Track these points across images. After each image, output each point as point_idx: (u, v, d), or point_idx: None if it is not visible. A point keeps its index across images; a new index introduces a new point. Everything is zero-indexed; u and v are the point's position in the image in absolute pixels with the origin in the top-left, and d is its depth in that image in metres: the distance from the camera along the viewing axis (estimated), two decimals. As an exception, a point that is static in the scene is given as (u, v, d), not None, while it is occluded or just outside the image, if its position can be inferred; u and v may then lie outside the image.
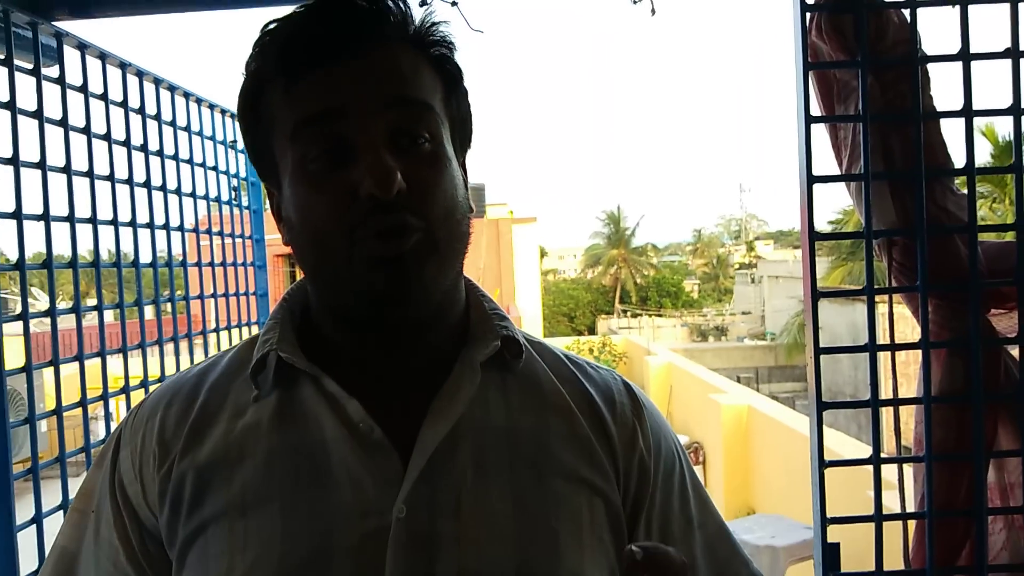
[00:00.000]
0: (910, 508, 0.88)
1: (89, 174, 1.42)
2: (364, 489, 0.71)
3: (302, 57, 0.71)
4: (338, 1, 0.72)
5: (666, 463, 0.80)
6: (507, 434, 0.75)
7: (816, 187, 0.89)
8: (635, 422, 0.80)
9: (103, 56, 1.47)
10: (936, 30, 0.93)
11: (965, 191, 0.88)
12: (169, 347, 1.72)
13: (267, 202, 0.81)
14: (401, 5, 0.74)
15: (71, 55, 1.41)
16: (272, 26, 0.74)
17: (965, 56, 0.83)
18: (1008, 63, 0.83)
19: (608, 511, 0.76)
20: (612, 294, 39.59)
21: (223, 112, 1.99)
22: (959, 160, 0.88)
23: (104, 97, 1.49)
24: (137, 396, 1.57)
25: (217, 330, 1.96)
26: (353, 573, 0.69)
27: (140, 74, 1.60)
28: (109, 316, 1.53)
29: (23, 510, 1.31)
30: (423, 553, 0.69)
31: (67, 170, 1.37)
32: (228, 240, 2.04)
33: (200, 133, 1.87)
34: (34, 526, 1.32)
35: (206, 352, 1.85)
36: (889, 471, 0.87)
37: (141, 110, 1.60)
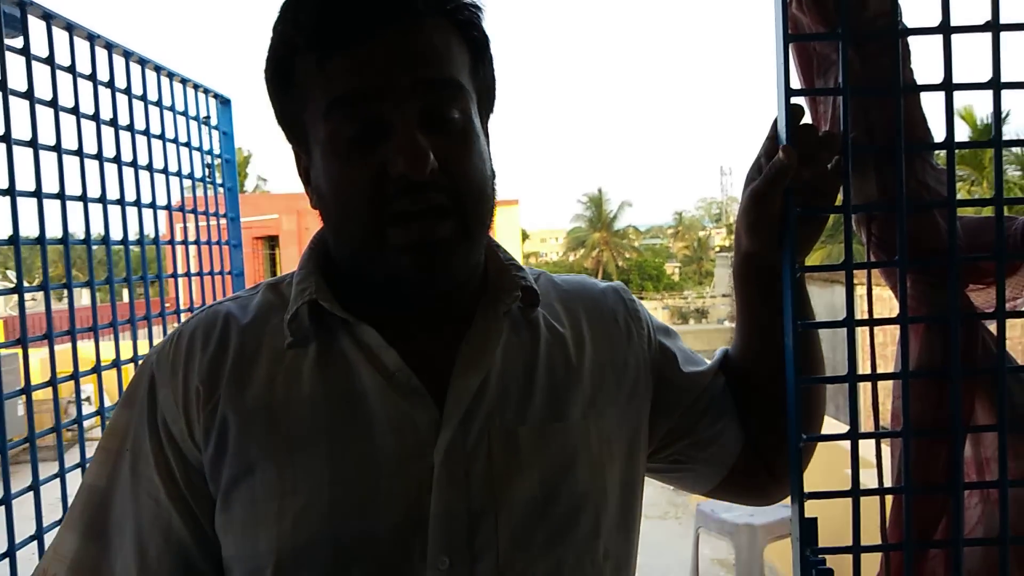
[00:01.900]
0: (887, 484, 0.87)
1: (56, 148, 1.38)
2: (405, 435, 0.75)
3: (336, 33, 0.72)
4: None
5: (653, 329, 0.95)
6: (526, 374, 0.82)
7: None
8: (630, 325, 0.92)
9: (70, 27, 1.43)
10: (917, 2, 0.92)
11: (944, 166, 0.88)
12: (143, 329, 1.69)
13: (295, 163, 0.85)
14: None
15: (36, 26, 1.37)
16: None
17: (946, 29, 0.82)
18: (988, 36, 0.82)
19: (618, 423, 0.85)
20: (594, 277, 39.68)
21: (196, 87, 1.95)
22: (939, 136, 0.87)
23: (72, 70, 1.45)
24: (109, 377, 1.54)
25: (192, 310, 1.93)
26: (401, 515, 0.74)
27: (109, 47, 1.56)
28: (85, 298, 1.50)
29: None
30: (461, 492, 0.75)
31: (33, 144, 1.34)
32: (202, 219, 2.01)
33: (172, 108, 1.83)
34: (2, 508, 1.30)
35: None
36: (867, 449, 0.87)
37: (110, 83, 1.56)
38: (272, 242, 18.74)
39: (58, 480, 1.41)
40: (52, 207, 1.38)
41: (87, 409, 1.53)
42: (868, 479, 0.81)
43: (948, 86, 0.81)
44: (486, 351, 0.80)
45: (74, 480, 1.43)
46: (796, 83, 0.89)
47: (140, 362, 0.85)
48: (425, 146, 0.71)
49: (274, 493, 0.74)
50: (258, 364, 0.79)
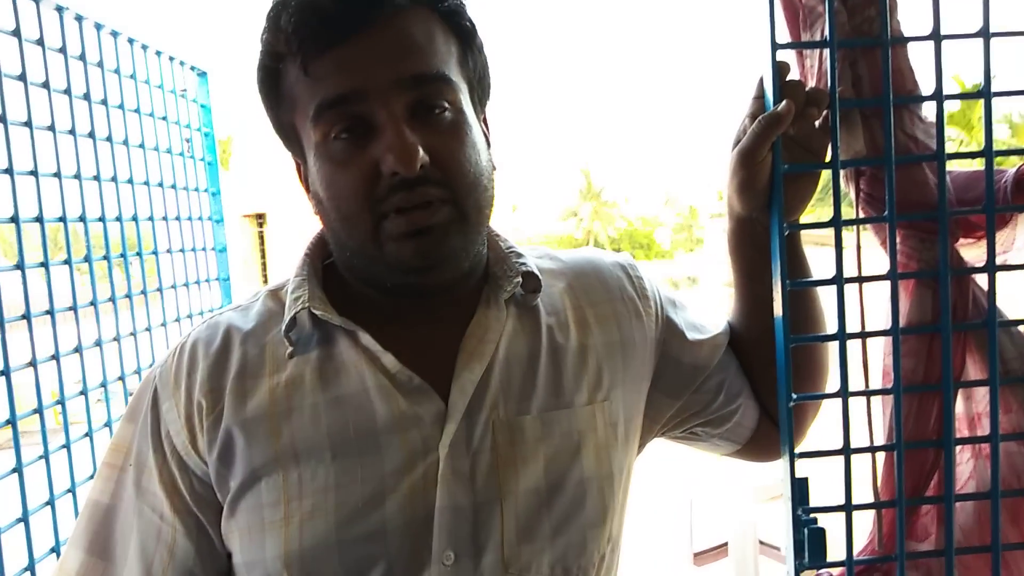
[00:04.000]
0: (879, 441, 0.87)
1: (28, 124, 1.35)
2: (410, 433, 0.75)
3: (315, 37, 0.71)
4: None
5: (662, 303, 0.94)
6: (529, 361, 0.80)
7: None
8: (637, 303, 0.90)
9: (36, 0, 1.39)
10: (905, -49, 0.90)
11: (933, 119, 0.86)
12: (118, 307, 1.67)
13: (297, 172, 0.85)
14: None
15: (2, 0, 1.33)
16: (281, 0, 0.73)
17: (934, -23, 0.80)
18: (978, -16, 0.80)
19: (624, 405, 0.85)
20: (588, 247, 39.73)
21: (171, 59, 1.91)
22: (927, 89, 0.85)
23: (41, 43, 1.41)
24: (90, 356, 1.52)
25: (175, 287, 1.90)
26: (408, 511, 0.73)
27: (79, 19, 1.52)
28: (66, 276, 1.46)
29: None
30: (466, 486, 0.74)
31: (2, 120, 1.30)
32: (183, 194, 1.97)
33: (147, 82, 1.79)
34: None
35: (164, 312, 1.80)
36: (857, 407, 0.86)
37: (82, 57, 1.52)
38: (260, 219, 18.65)
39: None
40: (27, 184, 1.35)
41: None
42: (860, 437, 0.80)
43: (936, 36, 0.79)
44: (488, 341, 0.79)
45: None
46: (783, 38, 0.87)
47: (143, 373, 0.85)
48: (414, 142, 0.70)
49: (280, 499, 0.74)
50: (261, 374, 0.78)
